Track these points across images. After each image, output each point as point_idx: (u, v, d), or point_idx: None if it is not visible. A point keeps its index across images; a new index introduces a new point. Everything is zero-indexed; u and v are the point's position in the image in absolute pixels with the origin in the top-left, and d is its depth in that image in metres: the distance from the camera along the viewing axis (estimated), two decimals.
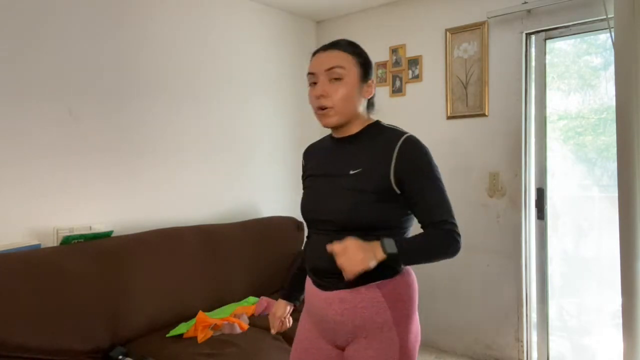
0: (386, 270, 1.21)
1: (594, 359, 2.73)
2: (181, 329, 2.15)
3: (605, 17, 2.32)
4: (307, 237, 1.54)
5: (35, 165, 2.13)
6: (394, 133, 1.26)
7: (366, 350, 1.22)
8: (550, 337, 2.73)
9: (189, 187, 2.77)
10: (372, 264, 1.11)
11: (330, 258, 1.18)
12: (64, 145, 2.23)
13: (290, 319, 1.53)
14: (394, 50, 3.23)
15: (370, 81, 1.30)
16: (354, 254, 1.10)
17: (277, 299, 1.56)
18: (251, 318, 2.35)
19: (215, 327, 2.15)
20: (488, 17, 2.76)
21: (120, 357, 1.91)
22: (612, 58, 2.17)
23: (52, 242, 2.16)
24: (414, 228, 1.28)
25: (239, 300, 2.56)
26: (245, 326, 2.22)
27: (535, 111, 2.74)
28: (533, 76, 2.74)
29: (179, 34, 2.72)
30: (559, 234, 2.82)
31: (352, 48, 1.29)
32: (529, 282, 2.78)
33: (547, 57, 2.70)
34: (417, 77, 3.15)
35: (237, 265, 2.65)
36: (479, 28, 2.84)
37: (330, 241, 1.21)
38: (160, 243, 2.35)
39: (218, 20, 2.94)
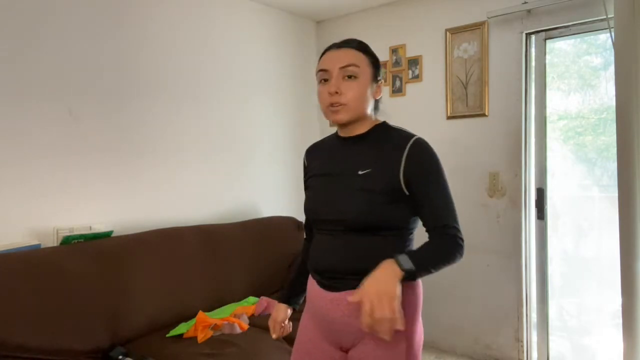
0: None
1: (594, 359, 2.73)
2: (181, 329, 2.15)
3: (605, 17, 2.32)
4: (306, 237, 1.54)
5: (35, 165, 2.13)
6: (403, 135, 1.26)
7: (374, 350, 1.20)
8: (550, 337, 2.73)
9: (189, 187, 2.77)
10: (398, 290, 1.07)
11: (339, 258, 1.17)
12: (64, 145, 2.23)
13: (290, 323, 1.51)
14: (394, 50, 3.23)
15: (380, 82, 1.31)
16: (379, 301, 1.03)
17: (277, 299, 1.55)
18: (251, 318, 2.35)
19: (215, 327, 2.15)
20: (488, 17, 2.76)
21: (120, 357, 1.90)
22: (612, 58, 2.17)
23: (52, 242, 2.16)
24: (420, 229, 1.28)
25: (239, 300, 2.56)
26: (245, 326, 2.22)
27: (535, 111, 2.74)
28: (533, 76, 2.74)
29: (179, 34, 2.72)
30: (559, 234, 2.82)
31: (364, 48, 1.29)
32: (529, 282, 2.78)
33: (547, 57, 2.70)
34: (417, 77, 3.15)
35: (237, 265, 2.65)
36: (479, 28, 2.84)
37: (338, 241, 1.20)
38: (160, 243, 2.35)
39: (218, 20, 2.94)
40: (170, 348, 2.00)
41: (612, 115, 2.24)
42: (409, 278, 1.12)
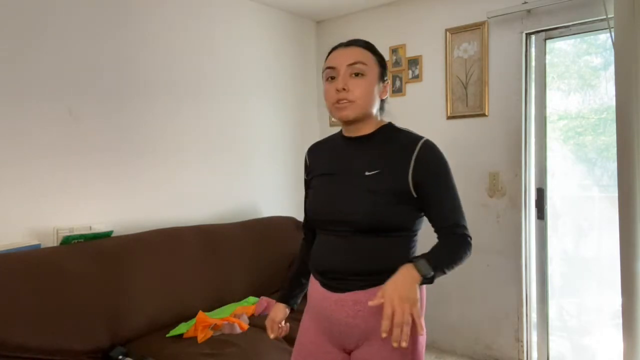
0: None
1: (594, 359, 2.73)
2: (181, 329, 2.15)
3: (605, 17, 2.32)
4: (304, 237, 1.52)
5: (35, 165, 2.13)
6: (411, 136, 1.26)
7: (380, 351, 1.20)
8: (550, 337, 2.73)
9: (189, 187, 2.77)
10: (418, 296, 1.08)
11: (343, 259, 1.17)
12: (64, 145, 2.23)
13: (288, 323, 1.49)
14: (394, 50, 3.23)
15: (386, 82, 1.31)
16: (401, 306, 1.04)
17: (276, 300, 1.55)
18: (251, 318, 2.35)
19: (215, 327, 2.15)
20: (488, 17, 2.76)
21: (120, 357, 1.90)
22: (612, 58, 2.17)
23: (52, 242, 2.16)
24: (423, 231, 1.29)
25: (239, 300, 2.56)
26: (245, 326, 2.22)
27: (535, 111, 2.74)
28: (533, 76, 2.74)
29: (179, 34, 2.72)
30: (559, 234, 2.82)
31: (371, 47, 1.30)
32: (529, 282, 2.78)
33: (547, 57, 2.70)
34: (417, 77, 3.15)
35: (237, 265, 2.65)
36: (479, 28, 2.84)
37: (342, 242, 1.20)
38: (160, 243, 2.35)
39: (218, 20, 2.94)
40: (170, 348, 2.00)
41: (612, 115, 2.24)
42: (425, 282, 1.13)
